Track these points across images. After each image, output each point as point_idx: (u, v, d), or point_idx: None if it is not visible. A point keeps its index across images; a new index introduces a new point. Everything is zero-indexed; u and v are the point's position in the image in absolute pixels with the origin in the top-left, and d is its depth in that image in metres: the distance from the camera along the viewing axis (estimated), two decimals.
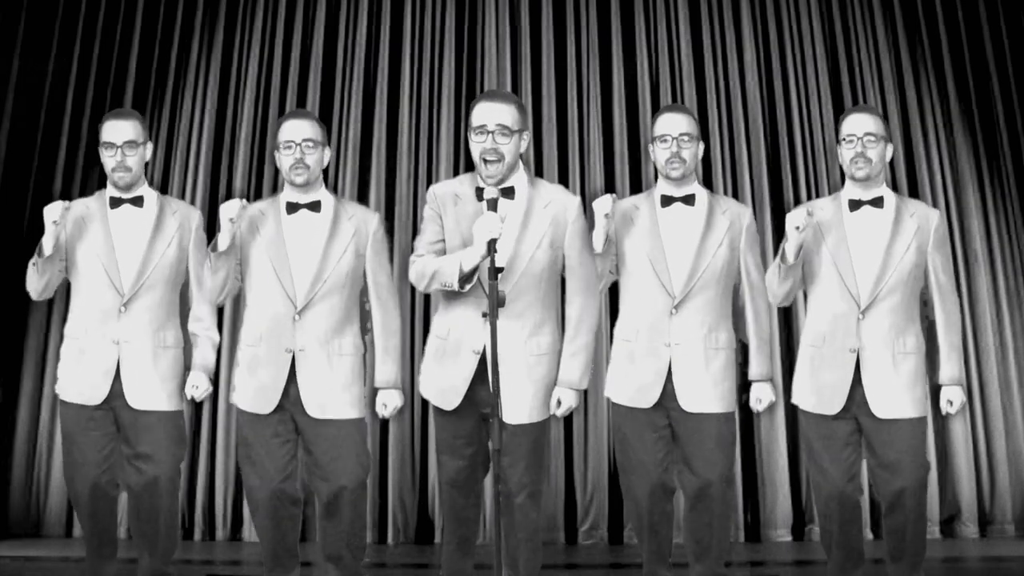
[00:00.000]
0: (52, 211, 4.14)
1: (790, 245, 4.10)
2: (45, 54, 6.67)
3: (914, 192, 6.60)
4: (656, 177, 4.31)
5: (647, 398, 4.09)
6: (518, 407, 3.90)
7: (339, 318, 4.12)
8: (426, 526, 6.47)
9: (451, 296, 3.97)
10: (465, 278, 3.84)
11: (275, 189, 6.06)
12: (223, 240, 4.03)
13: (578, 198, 4.13)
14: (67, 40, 6.71)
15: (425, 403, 4.13)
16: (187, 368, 4.35)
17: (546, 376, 3.97)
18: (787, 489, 6.41)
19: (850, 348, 4.14)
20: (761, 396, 4.24)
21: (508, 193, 3.95)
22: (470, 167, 4.10)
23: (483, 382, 3.85)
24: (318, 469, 4.09)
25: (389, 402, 4.17)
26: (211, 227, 6.40)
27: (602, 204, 4.04)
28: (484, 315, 3.64)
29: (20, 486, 6.52)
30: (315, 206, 4.15)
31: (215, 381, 6.41)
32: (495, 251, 3.64)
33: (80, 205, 4.38)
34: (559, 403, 3.98)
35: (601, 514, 6.42)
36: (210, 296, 4.24)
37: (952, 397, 4.22)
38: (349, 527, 4.09)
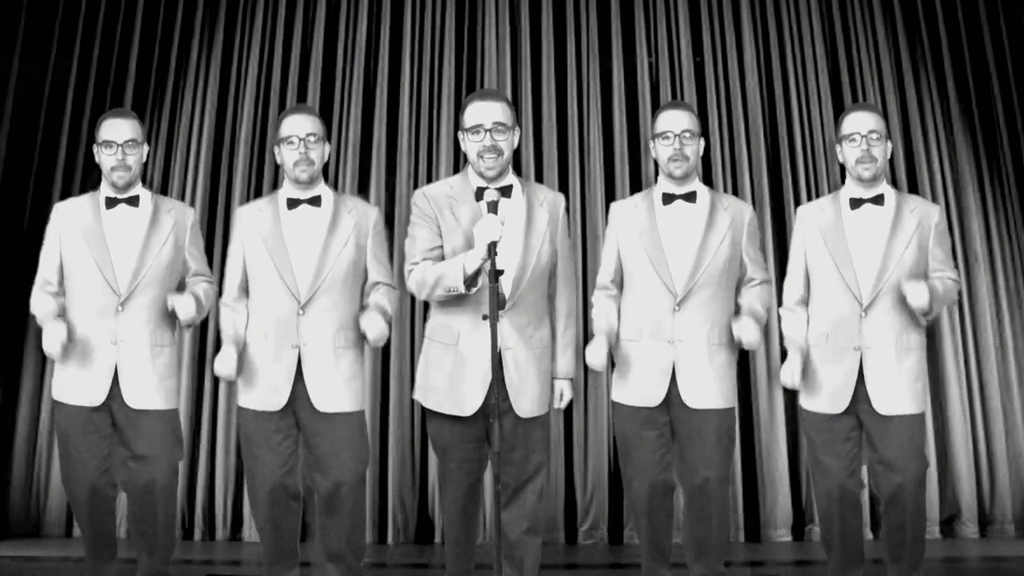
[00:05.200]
0: (51, 343, 4.16)
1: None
2: (45, 54, 6.67)
3: (914, 192, 6.59)
4: (656, 175, 4.32)
5: (654, 396, 4.10)
6: (532, 400, 3.96)
7: (343, 311, 4.13)
8: (426, 526, 6.47)
9: (451, 301, 3.96)
10: (470, 281, 3.84)
11: (275, 188, 6.05)
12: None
13: (562, 195, 4.22)
14: (67, 40, 6.71)
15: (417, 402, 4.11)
16: (180, 369, 4.35)
17: (548, 368, 4.06)
18: (787, 489, 6.41)
19: (854, 346, 4.14)
20: (744, 329, 4.08)
21: (506, 192, 3.98)
22: (467, 167, 4.11)
23: (496, 382, 3.86)
24: (317, 463, 4.10)
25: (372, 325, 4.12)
26: (210, 225, 6.48)
27: (594, 361, 4.08)
28: (484, 317, 3.64)
29: (20, 486, 6.52)
30: (315, 201, 4.17)
31: (214, 381, 6.48)
32: (495, 253, 3.66)
33: (72, 205, 4.38)
34: (561, 395, 4.10)
35: (601, 514, 6.42)
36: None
37: (912, 293, 4.05)
38: (349, 524, 4.10)
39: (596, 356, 4.08)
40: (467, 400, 3.93)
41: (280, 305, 4.10)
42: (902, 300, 4.14)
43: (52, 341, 4.15)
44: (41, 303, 4.29)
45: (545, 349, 4.03)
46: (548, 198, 4.11)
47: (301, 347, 4.07)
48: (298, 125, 4.16)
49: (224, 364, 4.07)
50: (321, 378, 4.08)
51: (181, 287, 4.39)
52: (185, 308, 4.23)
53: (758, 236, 4.33)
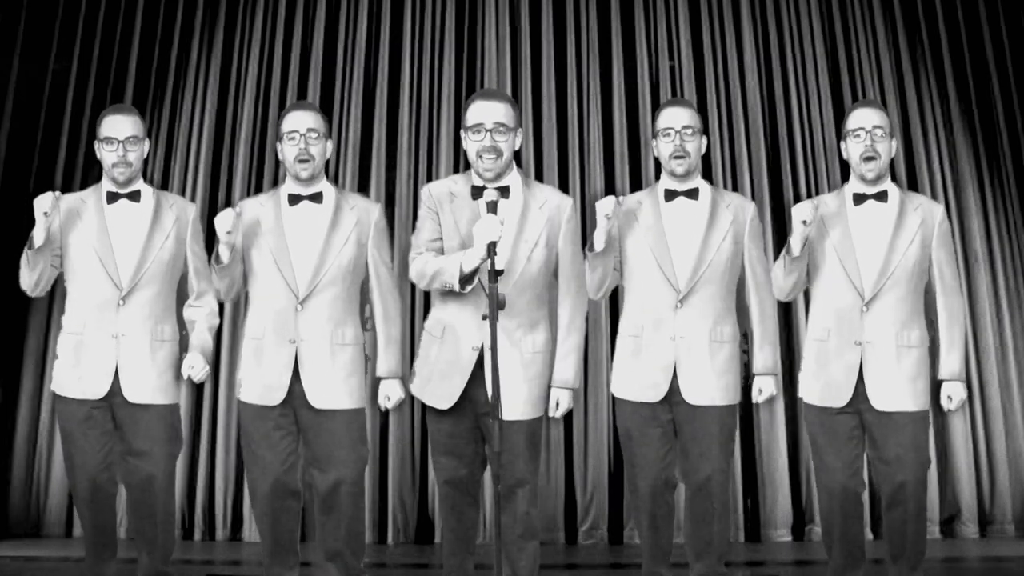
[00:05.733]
0: (42, 202, 4.11)
1: (796, 238, 4.10)
2: (45, 54, 6.67)
3: (914, 192, 6.60)
4: (657, 175, 4.31)
5: (655, 392, 4.09)
6: (513, 403, 3.91)
7: (341, 308, 4.13)
8: (426, 526, 6.47)
9: (448, 294, 3.97)
10: (466, 279, 3.85)
11: (275, 188, 6.04)
12: (223, 252, 4.03)
13: (571, 199, 4.18)
14: (67, 40, 6.71)
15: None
16: (182, 356, 4.34)
17: (540, 374, 4.01)
18: (787, 489, 6.41)
19: (855, 341, 4.14)
20: (763, 387, 4.21)
21: (503, 192, 3.97)
22: (469, 167, 4.11)
23: (480, 381, 3.87)
24: (316, 461, 4.10)
25: (392, 394, 4.16)
26: (210, 226, 6.46)
27: (604, 205, 4.00)
28: (484, 317, 3.64)
29: (20, 486, 6.52)
30: (317, 197, 4.17)
31: (215, 379, 6.49)
32: (495, 253, 3.65)
33: (74, 198, 4.38)
34: (557, 404, 4.04)
35: (601, 514, 6.42)
36: (218, 295, 4.29)
37: (952, 393, 4.20)
38: (348, 522, 4.09)
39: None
40: (444, 394, 3.96)
41: (278, 300, 4.11)
42: (904, 297, 4.15)
43: (42, 199, 4.12)
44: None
45: (537, 355, 4.00)
46: (551, 201, 4.09)
47: (299, 343, 4.08)
48: (299, 120, 4.17)
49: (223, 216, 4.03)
50: (318, 375, 4.07)
51: (183, 287, 4.39)
52: (200, 372, 4.26)
53: (761, 234, 4.32)
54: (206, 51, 6.85)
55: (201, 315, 4.36)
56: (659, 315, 4.11)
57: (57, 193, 4.19)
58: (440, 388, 3.97)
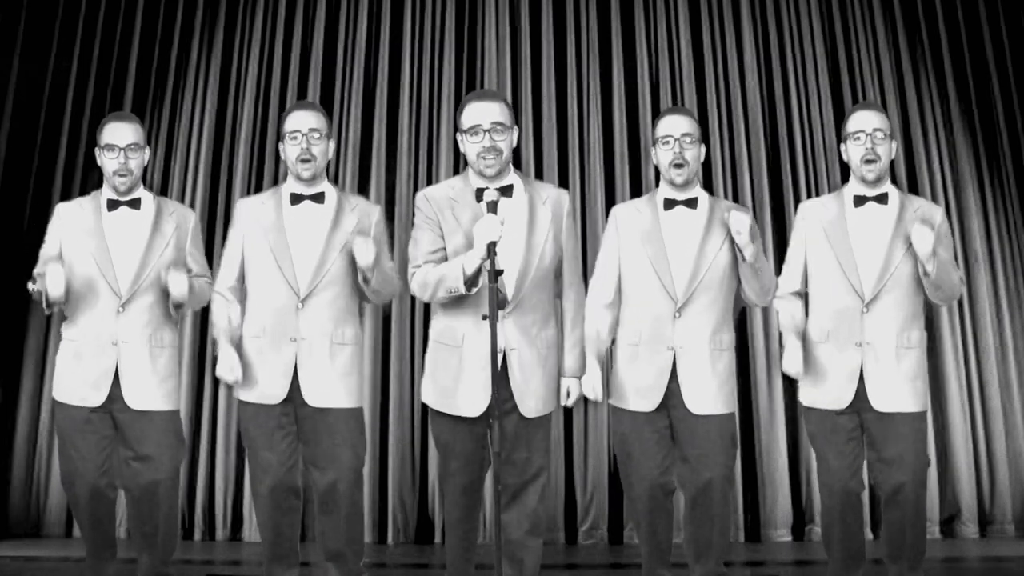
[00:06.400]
0: (55, 285, 4.08)
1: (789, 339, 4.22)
2: (45, 54, 6.67)
3: (914, 192, 6.60)
4: (657, 180, 4.31)
5: (650, 401, 4.08)
6: (535, 400, 3.95)
7: (341, 308, 4.14)
8: (426, 526, 6.47)
9: (453, 303, 3.96)
10: (470, 281, 3.84)
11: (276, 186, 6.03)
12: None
13: (567, 192, 4.20)
14: (67, 40, 6.72)
15: (424, 403, 4.11)
16: (180, 368, 4.34)
17: (554, 367, 4.04)
18: (787, 489, 6.41)
19: (855, 343, 4.14)
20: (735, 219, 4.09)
21: (506, 191, 3.97)
22: (467, 168, 4.11)
23: (502, 383, 3.87)
24: (314, 460, 4.10)
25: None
26: (210, 226, 6.48)
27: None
28: (484, 317, 3.63)
29: (20, 486, 6.52)
30: (318, 197, 4.18)
31: (214, 380, 6.49)
32: (495, 253, 3.65)
33: (74, 205, 4.38)
34: (568, 394, 4.07)
35: (601, 514, 6.42)
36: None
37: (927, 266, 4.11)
38: (347, 522, 4.10)
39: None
40: (474, 401, 3.93)
41: (279, 299, 4.11)
42: (903, 298, 4.15)
43: (54, 278, 4.09)
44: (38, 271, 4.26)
45: (551, 348, 4.03)
46: (551, 196, 4.09)
47: (299, 341, 4.08)
48: (302, 120, 4.18)
49: (227, 368, 4.06)
50: (317, 373, 4.08)
51: None
52: (178, 286, 4.17)
53: (759, 240, 4.31)
54: (206, 51, 6.85)
55: (195, 280, 4.32)
56: (658, 324, 4.10)
57: (60, 265, 4.14)
58: (468, 396, 3.93)
